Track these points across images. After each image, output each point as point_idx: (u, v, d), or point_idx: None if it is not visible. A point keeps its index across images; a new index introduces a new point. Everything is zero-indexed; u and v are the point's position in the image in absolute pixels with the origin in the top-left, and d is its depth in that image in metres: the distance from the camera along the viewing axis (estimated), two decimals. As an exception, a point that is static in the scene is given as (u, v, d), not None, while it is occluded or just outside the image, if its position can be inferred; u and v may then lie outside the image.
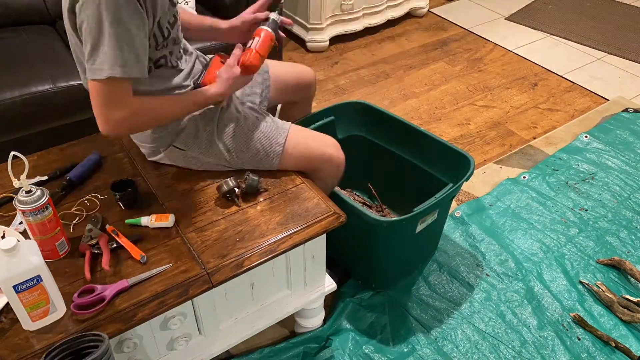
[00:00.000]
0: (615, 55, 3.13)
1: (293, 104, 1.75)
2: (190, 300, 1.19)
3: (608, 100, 2.74)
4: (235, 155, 1.40)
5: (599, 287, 1.75)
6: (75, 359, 0.99)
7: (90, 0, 1.06)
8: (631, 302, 1.70)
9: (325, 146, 1.46)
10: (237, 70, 1.30)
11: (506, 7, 3.69)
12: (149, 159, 1.45)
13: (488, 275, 1.81)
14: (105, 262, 1.16)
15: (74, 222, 1.28)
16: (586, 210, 2.07)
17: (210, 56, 1.44)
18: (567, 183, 2.19)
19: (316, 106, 2.32)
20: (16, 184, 1.09)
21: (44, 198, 1.10)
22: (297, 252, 1.35)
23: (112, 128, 1.18)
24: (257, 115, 1.45)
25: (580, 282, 1.79)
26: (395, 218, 1.50)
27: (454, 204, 2.08)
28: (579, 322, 1.66)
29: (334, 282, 1.53)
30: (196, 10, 2.29)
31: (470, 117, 2.62)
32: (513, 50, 3.19)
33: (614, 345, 1.60)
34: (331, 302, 1.71)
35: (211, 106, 1.37)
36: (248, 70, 1.32)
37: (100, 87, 1.13)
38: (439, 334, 1.63)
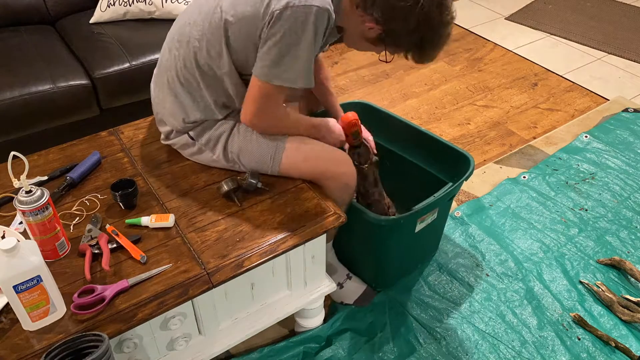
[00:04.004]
0: (615, 55, 3.13)
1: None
2: (190, 301, 1.19)
3: (608, 100, 2.74)
4: (236, 160, 1.40)
5: (599, 287, 1.75)
6: (75, 359, 0.99)
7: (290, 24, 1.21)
8: (631, 302, 1.70)
9: (329, 163, 1.41)
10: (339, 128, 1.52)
11: (506, 7, 3.69)
12: (162, 142, 1.50)
13: (488, 275, 1.81)
14: (105, 262, 1.16)
15: (74, 222, 1.28)
16: (586, 210, 2.07)
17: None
18: (567, 183, 2.19)
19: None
20: (16, 184, 1.09)
21: (44, 198, 1.10)
22: (297, 252, 1.35)
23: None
24: None
25: (580, 282, 1.79)
26: (394, 217, 1.50)
27: (454, 203, 2.08)
28: (579, 322, 1.66)
29: (333, 282, 1.53)
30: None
31: (470, 117, 2.62)
32: (513, 50, 3.19)
33: (614, 345, 1.60)
34: (331, 302, 1.71)
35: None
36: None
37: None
38: (439, 334, 1.63)
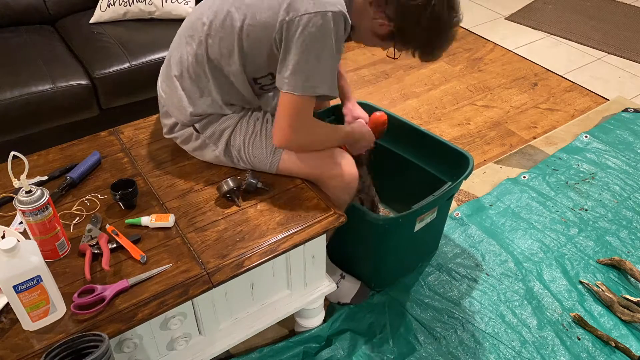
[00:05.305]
0: (615, 55, 3.13)
1: None
2: (190, 300, 1.19)
3: (608, 100, 2.74)
4: (236, 155, 1.41)
5: (599, 287, 1.75)
6: (75, 359, 0.99)
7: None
8: (631, 302, 1.70)
9: (332, 161, 1.41)
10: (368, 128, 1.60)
11: (506, 7, 3.69)
12: (165, 135, 1.50)
13: (488, 275, 1.81)
14: (105, 262, 1.16)
15: (74, 222, 1.28)
16: (586, 210, 2.07)
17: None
18: (567, 183, 2.19)
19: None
20: (16, 184, 1.09)
21: (44, 198, 1.10)
22: (297, 252, 1.35)
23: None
24: (267, 117, 1.45)
25: (580, 282, 1.79)
26: (393, 216, 1.50)
27: (454, 204, 2.08)
28: (579, 322, 1.66)
29: (333, 282, 1.53)
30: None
31: (470, 117, 2.62)
32: (513, 50, 3.19)
33: (614, 345, 1.60)
34: (331, 302, 1.71)
35: (247, 107, 1.45)
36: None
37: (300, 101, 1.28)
38: (439, 334, 1.63)
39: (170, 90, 1.42)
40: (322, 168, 1.40)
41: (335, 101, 1.72)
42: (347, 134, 1.51)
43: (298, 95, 1.26)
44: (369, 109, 1.87)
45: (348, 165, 1.43)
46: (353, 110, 1.69)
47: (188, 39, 1.37)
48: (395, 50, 1.36)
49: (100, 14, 2.23)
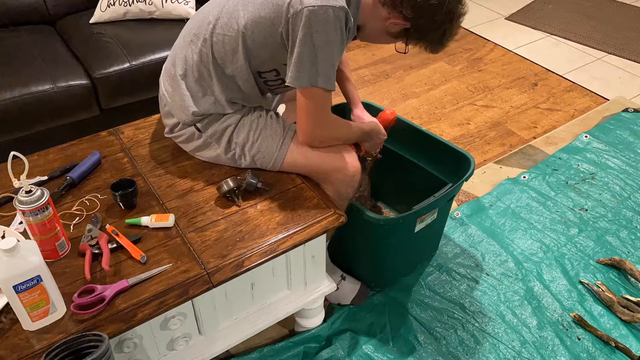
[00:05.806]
0: (615, 55, 3.13)
1: None
2: (190, 300, 1.19)
3: (608, 100, 2.74)
4: (239, 152, 1.41)
5: (599, 287, 1.75)
6: (75, 359, 0.99)
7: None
8: (631, 302, 1.70)
9: (334, 155, 1.42)
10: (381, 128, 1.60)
11: (506, 7, 3.69)
12: (166, 135, 1.51)
13: (488, 275, 1.81)
14: (105, 262, 1.16)
15: (74, 222, 1.28)
16: (586, 210, 2.07)
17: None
18: (567, 183, 2.19)
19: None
20: (16, 184, 1.09)
21: (44, 198, 1.10)
22: (297, 252, 1.35)
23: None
24: (270, 114, 1.46)
25: (580, 282, 1.79)
26: (393, 217, 1.50)
27: (454, 204, 2.08)
28: (579, 322, 1.66)
29: (333, 282, 1.53)
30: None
31: (470, 117, 2.62)
32: (513, 50, 3.19)
33: (614, 345, 1.60)
34: (331, 303, 1.71)
35: (247, 105, 1.44)
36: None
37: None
38: (439, 334, 1.63)
39: (173, 90, 1.42)
40: (327, 161, 1.41)
41: (337, 101, 1.72)
42: (364, 132, 1.53)
43: (316, 88, 1.27)
44: (370, 108, 1.87)
45: (351, 159, 1.44)
46: (362, 117, 1.71)
47: (193, 37, 1.37)
48: (408, 45, 1.38)
49: (100, 14, 2.23)
